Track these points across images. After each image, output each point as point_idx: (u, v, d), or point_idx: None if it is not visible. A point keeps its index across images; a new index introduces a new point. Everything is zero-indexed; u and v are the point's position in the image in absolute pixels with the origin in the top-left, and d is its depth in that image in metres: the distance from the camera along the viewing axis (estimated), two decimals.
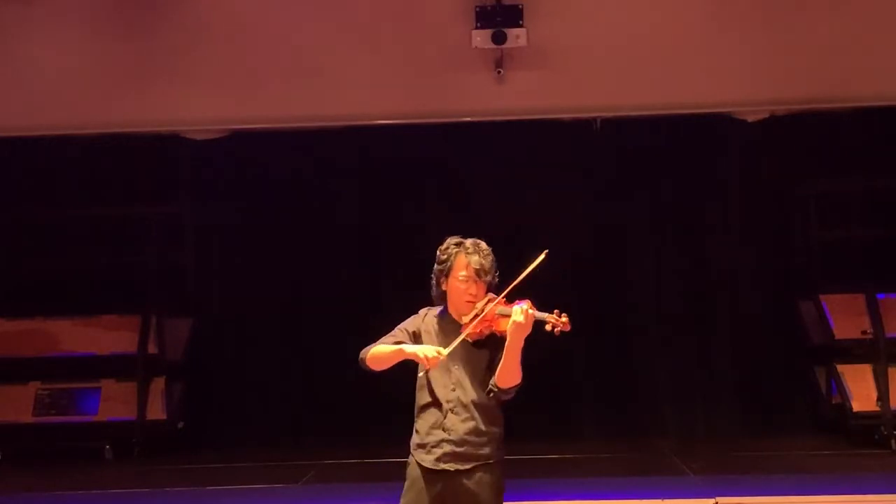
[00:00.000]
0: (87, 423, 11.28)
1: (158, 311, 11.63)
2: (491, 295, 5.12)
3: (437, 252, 5.24)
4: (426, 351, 4.97)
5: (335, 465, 10.27)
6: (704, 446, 11.06)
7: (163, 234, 12.26)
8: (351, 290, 11.69)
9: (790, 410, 11.69)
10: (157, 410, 11.37)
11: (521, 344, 4.92)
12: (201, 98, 10.14)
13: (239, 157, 11.61)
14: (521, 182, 11.83)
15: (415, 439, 5.20)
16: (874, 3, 9.92)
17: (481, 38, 9.77)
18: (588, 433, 11.63)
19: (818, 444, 11.01)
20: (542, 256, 5.04)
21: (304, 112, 10.19)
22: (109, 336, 11.49)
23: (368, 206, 11.96)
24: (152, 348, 11.46)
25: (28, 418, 11.28)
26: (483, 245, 5.19)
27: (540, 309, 4.97)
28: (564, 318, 4.88)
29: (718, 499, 8.18)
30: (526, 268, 5.04)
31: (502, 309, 4.99)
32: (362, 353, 5.19)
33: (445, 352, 4.97)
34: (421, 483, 5.13)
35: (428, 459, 5.12)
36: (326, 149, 11.64)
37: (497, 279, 5.18)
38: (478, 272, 5.09)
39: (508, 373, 4.98)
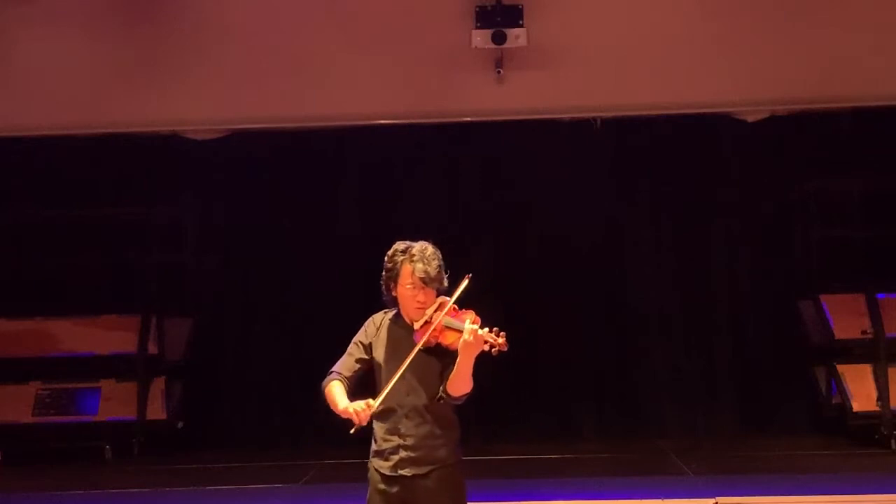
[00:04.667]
0: (87, 423, 11.28)
1: (158, 311, 11.63)
2: (442, 298, 5.14)
3: (385, 258, 5.24)
4: (356, 407, 5.00)
5: (335, 465, 10.27)
6: (704, 446, 11.07)
7: (163, 234, 12.26)
8: (350, 290, 11.67)
9: (790, 410, 11.69)
10: (157, 410, 11.37)
11: (472, 358, 4.95)
12: (201, 98, 10.14)
13: (239, 157, 11.61)
14: (521, 182, 11.83)
15: (372, 446, 5.24)
16: (874, 4, 9.92)
17: (481, 38, 9.77)
18: (588, 433, 11.64)
19: (818, 444, 11.02)
20: (465, 282, 5.07)
21: (304, 112, 10.19)
22: (109, 336, 11.49)
23: (368, 205, 11.95)
24: (152, 348, 11.46)
25: (28, 418, 11.28)
26: (429, 251, 5.16)
27: (484, 322, 4.99)
28: (501, 339, 4.92)
29: (718, 499, 8.19)
30: (464, 284, 5.07)
31: (449, 321, 5.03)
32: (322, 386, 5.25)
33: (375, 403, 5.00)
34: (380, 488, 5.16)
35: (385, 466, 5.15)
36: (326, 149, 11.64)
37: (446, 282, 5.18)
38: (423, 280, 5.08)
39: (459, 383, 5.01)
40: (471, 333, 4.88)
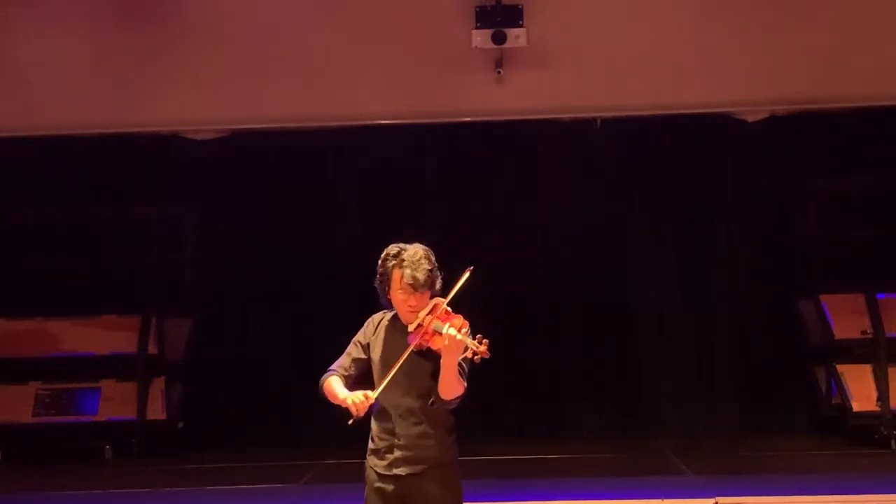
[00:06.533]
0: (87, 423, 11.27)
1: (158, 311, 11.62)
2: (437, 300, 5.16)
3: (378, 262, 5.26)
4: (354, 398, 5.06)
5: (335, 465, 10.27)
6: (704, 446, 11.07)
7: (163, 234, 12.26)
8: (350, 290, 11.66)
9: (790, 410, 11.68)
10: (157, 410, 11.36)
11: (455, 362, 4.98)
12: (201, 98, 10.15)
13: (239, 157, 11.61)
14: (521, 182, 11.83)
15: (369, 445, 5.28)
16: (874, 4, 9.93)
17: (481, 38, 9.79)
18: (588, 433, 11.63)
19: (818, 444, 11.02)
20: (467, 274, 5.13)
21: (304, 112, 10.20)
22: (109, 336, 11.49)
23: (368, 205, 11.95)
24: (152, 348, 11.46)
25: (28, 418, 11.27)
26: (420, 254, 5.18)
27: (473, 328, 5.01)
28: (483, 347, 4.94)
29: (718, 499, 8.19)
30: (461, 281, 5.13)
31: (437, 325, 5.06)
32: (321, 382, 5.29)
33: (373, 395, 5.06)
34: (377, 486, 5.20)
35: (381, 465, 5.20)
36: (326, 148, 11.64)
37: (440, 283, 5.20)
38: (412, 286, 5.11)
39: (448, 387, 5.04)
40: (449, 339, 4.93)
